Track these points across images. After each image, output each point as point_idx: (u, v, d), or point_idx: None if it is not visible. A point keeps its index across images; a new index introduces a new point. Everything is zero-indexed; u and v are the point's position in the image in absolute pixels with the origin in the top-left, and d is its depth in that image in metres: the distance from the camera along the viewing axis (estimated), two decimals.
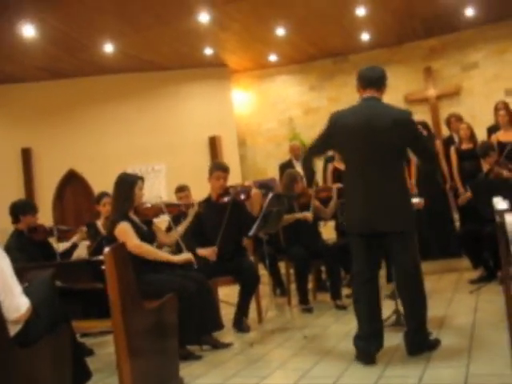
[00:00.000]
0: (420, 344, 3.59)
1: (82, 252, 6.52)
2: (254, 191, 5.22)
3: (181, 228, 4.76)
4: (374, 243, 3.67)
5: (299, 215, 5.76)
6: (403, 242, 3.62)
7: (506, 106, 7.43)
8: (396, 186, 3.62)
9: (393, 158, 3.61)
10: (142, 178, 4.49)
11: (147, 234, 4.41)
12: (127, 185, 4.40)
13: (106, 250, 2.90)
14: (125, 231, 4.20)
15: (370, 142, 3.57)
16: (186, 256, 4.42)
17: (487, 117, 8.45)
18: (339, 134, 3.74)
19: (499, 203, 2.16)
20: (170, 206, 4.79)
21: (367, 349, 3.53)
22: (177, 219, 5.16)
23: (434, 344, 3.68)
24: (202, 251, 4.96)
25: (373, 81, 3.73)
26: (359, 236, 3.68)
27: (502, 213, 2.15)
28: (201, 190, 5.67)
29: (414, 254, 3.67)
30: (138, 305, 3.08)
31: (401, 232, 3.60)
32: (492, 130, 7.53)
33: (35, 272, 2.84)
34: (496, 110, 7.56)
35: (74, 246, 5.27)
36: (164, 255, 4.39)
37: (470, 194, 6.09)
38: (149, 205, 4.61)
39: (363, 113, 3.65)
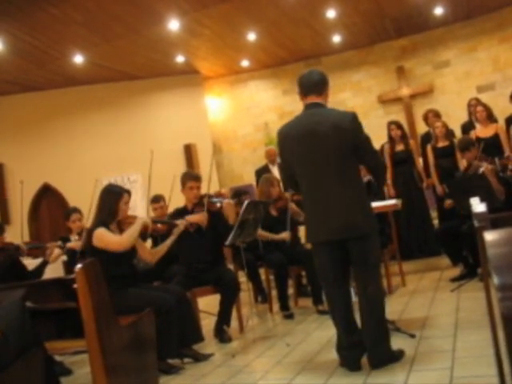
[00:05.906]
0: (381, 356, 3.42)
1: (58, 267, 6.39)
2: (226, 202, 5.12)
3: (164, 247, 4.61)
4: (337, 252, 3.49)
5: (277, 237, 5.71)
6: (364, 245, 3.44)
7: (479, 102, 7.48)
8: (350, 191, 3.41)
9: (342, 162, 3.40)
10: (128, 192, 4.30)
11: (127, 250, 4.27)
12: (112, 197, 4.22)
13: (78, 267, 2.80)
14: (102, 235, 4.05)
15: (315, 151, 3.42)
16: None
17: (460, 114, 8.51)
18: (287, 148, 3.59)
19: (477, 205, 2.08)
20: (155, 224, 4.68)
21: (351, 356, 3.47)
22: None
23: (398, 355, 3.49)
24: (192, 217, 4.85)
25: (311, 87, 3.55)
26: (323, 245, 3.52)
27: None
28: (178, 198, 5.60)
29: (374, 256, 3.50)
30: (113, 322, 2.98)
31: (360, 237, 3.41)
32: (466, 126, 7.56)
33: (4, 293, 2.72)
34: (470, 106, 7.61)
35: (45, 263, 5.11)
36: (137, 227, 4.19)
37: (451, 202, 6.07)
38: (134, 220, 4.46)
39: (305, 121, 3.49)
